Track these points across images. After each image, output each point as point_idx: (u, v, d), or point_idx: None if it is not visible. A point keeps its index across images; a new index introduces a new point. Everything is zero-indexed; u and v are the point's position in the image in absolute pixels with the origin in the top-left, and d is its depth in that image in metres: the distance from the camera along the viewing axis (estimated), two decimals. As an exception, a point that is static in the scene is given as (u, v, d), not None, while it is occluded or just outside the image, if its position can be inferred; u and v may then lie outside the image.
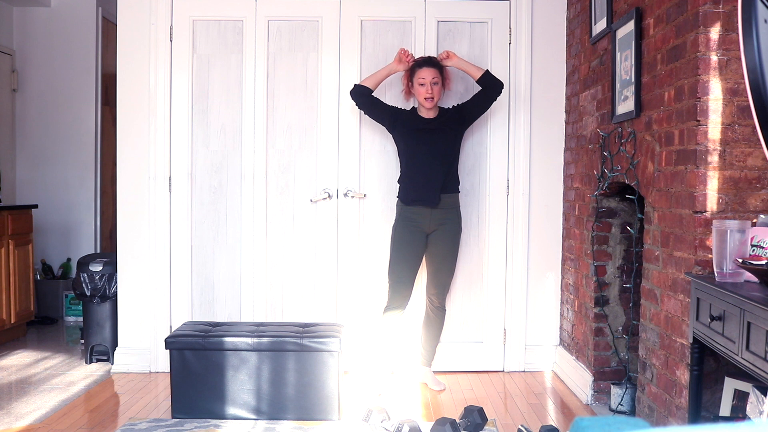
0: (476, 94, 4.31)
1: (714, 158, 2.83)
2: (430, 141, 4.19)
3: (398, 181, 4.32)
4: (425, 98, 4.18)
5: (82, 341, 5.06)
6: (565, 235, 4.69)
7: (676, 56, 3.03)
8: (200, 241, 4.68)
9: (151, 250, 4.65)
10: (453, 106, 4.35)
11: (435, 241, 4.24)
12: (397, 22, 4.65)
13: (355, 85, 4.35)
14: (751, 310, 2.27)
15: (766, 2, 2.24)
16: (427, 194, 4.17)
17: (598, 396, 4.05)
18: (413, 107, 4.36)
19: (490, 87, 4.26)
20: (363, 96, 4.29)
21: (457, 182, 4.31)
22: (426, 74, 4.19)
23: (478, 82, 4.27)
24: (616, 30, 3.71)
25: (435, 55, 4.40)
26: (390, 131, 4.34)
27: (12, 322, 5.39)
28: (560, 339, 4.75)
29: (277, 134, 4.67)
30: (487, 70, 4.33)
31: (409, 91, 4.32)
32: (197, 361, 3.71)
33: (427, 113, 4.27)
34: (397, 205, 4.31)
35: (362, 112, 4.43)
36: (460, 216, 4.31)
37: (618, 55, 3.70)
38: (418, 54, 4.63)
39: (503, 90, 4.38)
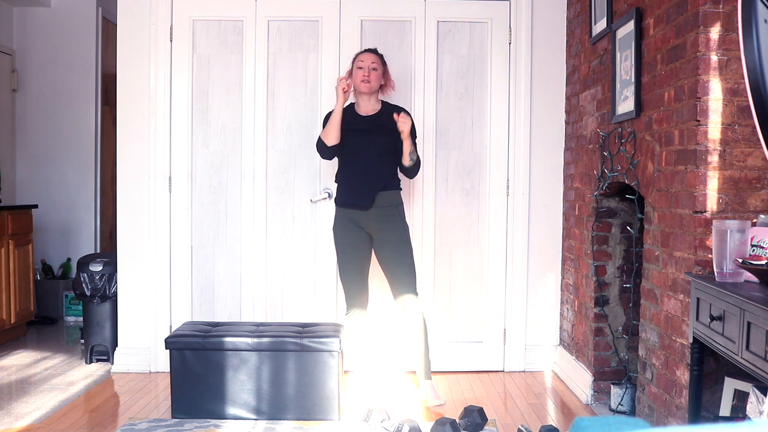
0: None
1: (714, 158, 2.83)
2: (366, 142, 4.01)
3: (335, 181, 4.17)
4: (361, 81, 4.01)
5: (82, 341, 5.06)
6: (565, 235, 4.69)
7: (676, 56, 3.03)
8: (200, 241, 4.68)
9: (151, 250, 4.65)
10: (401, 114, 3.98)
11: (381, 245, 4.04)
12: (397, 22, 4.65)
13: (319, 139, 4.08)
14: (751, 310, 2.27)
15: (766, 2, 2.24)
16: (360, 197, 4.00)
17: (598, 396, 4.05)
18: (351, 104, 4.14)
19: (406, 171, 4.09)
20: (326, 151, 4.08)
21: (397, 180, 4.09)
22: (365, 58, 4.07)
23: (402, 165, 4.05)
24: (616, 30, 3.71)
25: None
26: None
27: (12, 322, 5.39)
28: (560, 339, 4.75)
29: (277, 134, 4.67)
30: (416, 163, 4.05)
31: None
32: (197, 361, 3.71)
33: (365, 108, 4.08)
34: (334, 206, 4.15)
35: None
36: (401, 213, 4.08)
37: (618, 55, 3.70)
38: (417, 53, 4.63)
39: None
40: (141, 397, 4.14)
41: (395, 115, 3.96)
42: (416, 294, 4.08)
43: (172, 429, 3.53)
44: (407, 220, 4.19)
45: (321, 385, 3.71)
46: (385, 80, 4.15)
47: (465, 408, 3.59)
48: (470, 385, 4.44)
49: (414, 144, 4.04)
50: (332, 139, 4.03)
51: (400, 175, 4.17)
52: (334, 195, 4.18)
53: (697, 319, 2.73)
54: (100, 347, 4.81)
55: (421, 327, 4.05)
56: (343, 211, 4.08)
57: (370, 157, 4.01)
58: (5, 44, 6.38)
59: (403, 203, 4.14)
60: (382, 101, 4.16)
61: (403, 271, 4.03)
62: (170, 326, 4.66)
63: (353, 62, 4.11)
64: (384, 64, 4.14)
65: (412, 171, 4.10)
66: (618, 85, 3.70)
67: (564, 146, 4.72)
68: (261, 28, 4.63)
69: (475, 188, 4.69)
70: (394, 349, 4.65)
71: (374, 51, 4.14)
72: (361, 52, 4.13)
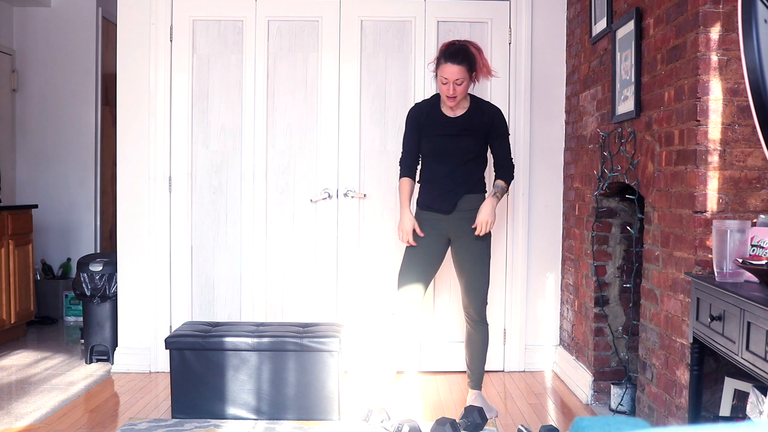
0: (494, 158, 3.92)
1: (714, 158, 2.84)
2: (452, 146, 3.77)
3: (417, 181, 3.94)
4: (447, 97, 3.72)
5: (82, 341, 5.06)
6: (565, 235, 4.69)
7: (676, 56, 3.03)
8: (200, 241, 4.68)
9: (151, 250, 4.65)
10: (490, 113, 3.84)
11: (459, 248, 3.83)
12: (397, 22, 4.65)
13: (400, 165, 3.95)
14: (751, 310, 2.27)
15: (766, 2, 2.24)
16: (443, 201, 3.79)
17: (598, 396, 4.05)
18: (436, 98, 3.88)
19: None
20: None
21: (483, 184, 3.86)
22: (448, 73, 3.68)
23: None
24: (616, 30, 3.71)
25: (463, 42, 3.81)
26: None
27: (12, 322, 5.39)
28: (560, 339, 4.75)
29: (277, 134, 4.67)
30: (508, 181, 3.90)
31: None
32: (197, 361, 3.71)
33: (452, 111, 3.82)
34: (415, 206, 3.96)
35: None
36: None
37: (618, 55, 3.70)
38: (417, 53, 4.63)
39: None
40: (141, 397, 4.14)
41: (475, 229, 3.77)
42: (485, 305, 3.88)
43: (172, 429, 3.53)
44: None
45: (321, 385, 3.71)
46: (475, 77, 3.79)
47: (465, 408, 3.59)
48: (470, 385, 4.43)
49: (506, 145, 3.88)
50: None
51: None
52: (416, 196, 3.94)
53: (697, 319, 2.73)
54: (100, 347, 4.80)
55: (484, 339, 3.90)
56: (424, 214, 3.86)
57: (455, 162, 3.77)
58: (5, 44, 6.38)
59: None
60: (470, 97, 3.86)
61: (475, 281, 3.82)
62: (170, 326, 4.66)
63: (437, 66, 3.75)
64: (471, 68, 3.72)
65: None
66: (618, 85, 3.70)
67: (564, 146, 4.72)
68: (261, 28, 4.63)
69: (475, 188, 4.69)
70: (402, 350, 4.65)
71: (459, 60, 3.69)
72: (445, 63, 3.70)
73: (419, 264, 3.84)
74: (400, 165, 3.94)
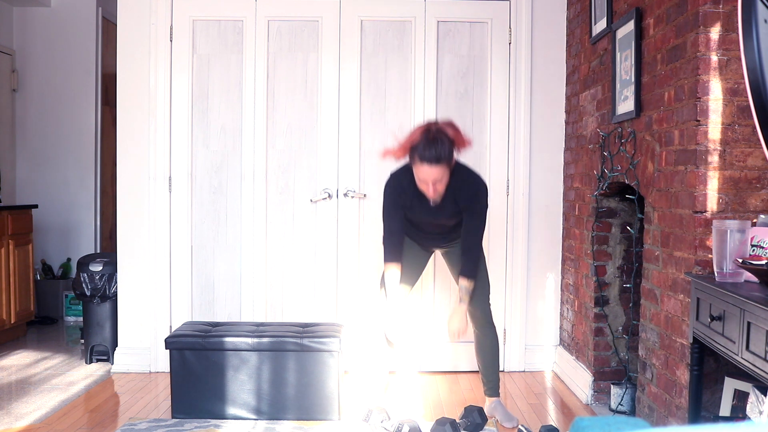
0: (461, 233, 3.70)
1: (714, 158, 2.84)
2: (437, 221, 3.69)
3: None
4: (430, 195, 3.51)
5: (82, 341, 5.06)
6: (565, 235, 4.69)
7: (676, 56, 3.03)
8: (200, 241, 4.68)
9: (151, 250, 4.65)
10: (471, 192, 3.59)
11: (451, 257, 3.83)
12: (397, 22, 4.65)
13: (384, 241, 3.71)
14: (751, 310, 2.27)
15: (766, 2, 2.24)
16: (427, 243, 3.84)
17: (598, 396, 4.05)
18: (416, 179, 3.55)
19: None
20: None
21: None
22: (426, 174, 3.39)
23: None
24: (616, 30, 3.71)
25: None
26: None
27: (12, 322, 5.39)
28: (560, 339, 4.75)
29: (277, 134, 4.67)
30: (471, 277, 3.67)
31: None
32: (197, 361, 3.71)
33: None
34: None
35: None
36: None
37: (618, 55, 3.70)
38: (417, 53, 4.62)
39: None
40: (141, 397, 4.14)
41: (451, 338, 3.73)
42: (489, 306, 3.79)
43: (172, 429, 3.53)
44: None
45: (321, 385, 3.71)
46: (455, 158, 3.51)
47: (465, 408, 3.59)
48: (470, 385, 4.43)
49: (477, 224, 3.64)
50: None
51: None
52: None
53: (697, 319, 2.73)
54: (100, 347, 4.80)
55: (494, 343, 3.82)
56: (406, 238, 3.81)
57: (441, 231, 3.75)
58: (5, 44, 6.38)
59: None
60: (450, 176, 3.54)
61: (476, 283, 3.70)
62: (170, 326, 4.65)
63: (411, 160, 3.45)
64: (450, 160, 3.43)
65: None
66: (618, 85, 3.70)
67: (564, 146, 4.72)
68: (261, 28, 4.63)
69: (475, 188, 4.68)
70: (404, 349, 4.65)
71: (435, 160, 3.36)
72: (421, 164, 3.37)
73: (404, 272, 3.80)
74: (384, 245, 3.69)
